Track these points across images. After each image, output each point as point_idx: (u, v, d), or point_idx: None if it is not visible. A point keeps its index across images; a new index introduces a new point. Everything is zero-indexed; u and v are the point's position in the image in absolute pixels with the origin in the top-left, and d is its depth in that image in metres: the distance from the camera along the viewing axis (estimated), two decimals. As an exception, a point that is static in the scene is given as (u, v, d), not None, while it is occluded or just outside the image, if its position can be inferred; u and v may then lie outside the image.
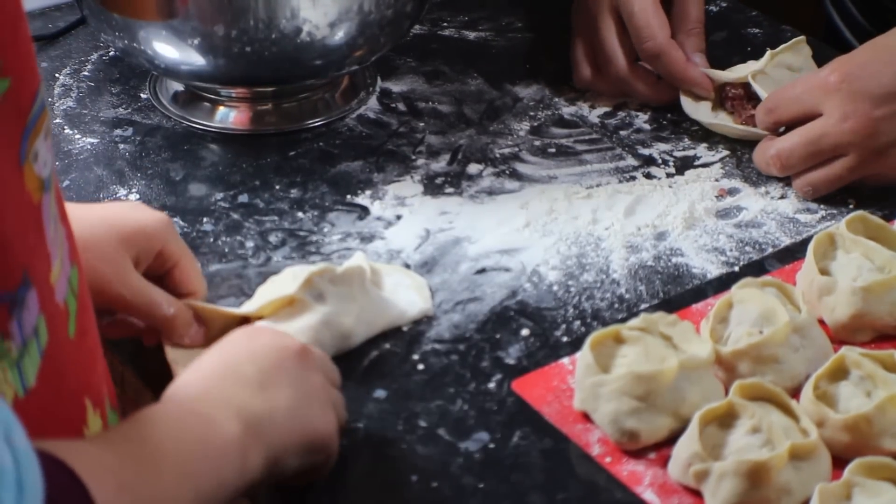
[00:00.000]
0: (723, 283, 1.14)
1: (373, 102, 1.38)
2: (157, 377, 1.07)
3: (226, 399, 0.90)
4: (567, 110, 1.37)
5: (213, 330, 1.07)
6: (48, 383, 0.81)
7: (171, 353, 1.06)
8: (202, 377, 0.93)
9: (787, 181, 1.26)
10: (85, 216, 1.00)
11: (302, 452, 0.93)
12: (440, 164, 1.29)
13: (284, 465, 0.92)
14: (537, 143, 1.32)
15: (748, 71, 1.30)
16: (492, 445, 1.00)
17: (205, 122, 1.35)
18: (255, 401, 0.91)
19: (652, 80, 1.34)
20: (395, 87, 1.40)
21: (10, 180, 0.77)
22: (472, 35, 1.49)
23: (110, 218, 1.05)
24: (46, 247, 0.81)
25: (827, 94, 1.19)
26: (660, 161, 1.29)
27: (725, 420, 0.96)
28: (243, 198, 1.24)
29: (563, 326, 1.10)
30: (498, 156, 1.30)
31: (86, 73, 1.42)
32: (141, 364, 1.11)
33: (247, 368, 0.93)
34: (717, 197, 1.24)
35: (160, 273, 1.08)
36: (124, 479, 0.78)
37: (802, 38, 1.36)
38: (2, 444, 0.68)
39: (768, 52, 1.32)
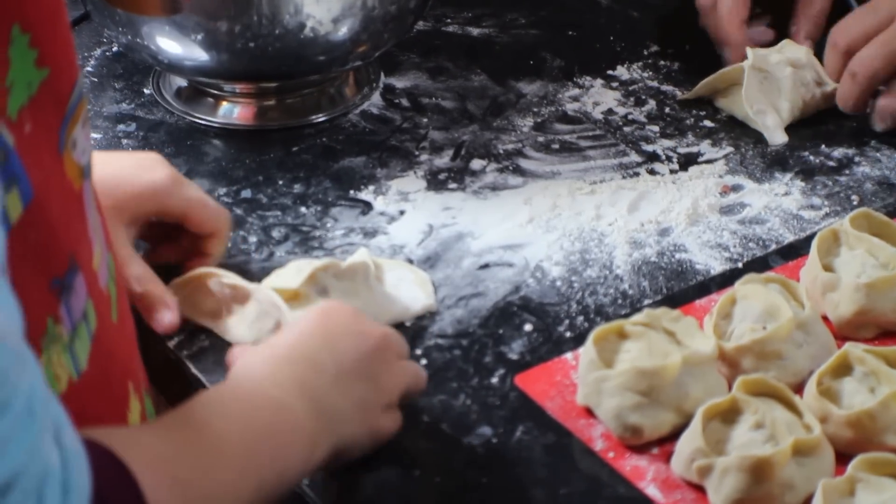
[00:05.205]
0: (726, 279, 1.13)
1: (376, 98, 1.38)
2: (157, 377, 1.07)
3: (299, 384, 0.87)
4: (571, 106, 1.36)
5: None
6: (98, 367, 0.81)
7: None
8: (273, 358, 0.89)
9: (789, 178, 1.25)
10: None
11: (366, 446, 0.93)
12: (443, 160, 1.29)
13: (347, 456, 0.91)
14: (541, 138, 1.32)
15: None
16: (494, 440, 0.99)
17: (208, 118, 1.35)
18: (330, 392, 0.88)
19: None
20: (399, 82, 1.40)
21: (52, 168, 0.77)
22: (475, 31, 1.49)
23: (109, 182, 1.02)
24: (88, 233, 0.82)
25: None
26: (663, 157, 1.29)
27: (729, 415, 0.96)
28: (246, 193, 1.24)
29: (567, 322, 1.10)
30: (501, 151, 1.30)
31: (89, 69, 1.42)
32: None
33: (323, 356, 0.90)
34: (720, 193, 1.24)
35: (170, 228, 1.09)
36: (180, 473, 0.76)
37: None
38: (51, 443, 0.67)
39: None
